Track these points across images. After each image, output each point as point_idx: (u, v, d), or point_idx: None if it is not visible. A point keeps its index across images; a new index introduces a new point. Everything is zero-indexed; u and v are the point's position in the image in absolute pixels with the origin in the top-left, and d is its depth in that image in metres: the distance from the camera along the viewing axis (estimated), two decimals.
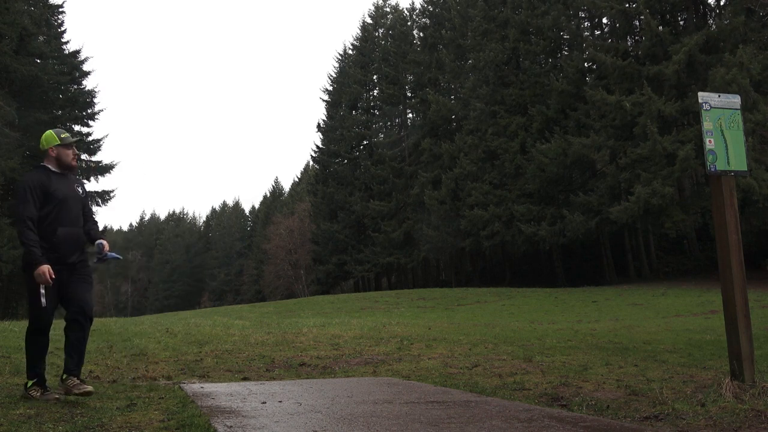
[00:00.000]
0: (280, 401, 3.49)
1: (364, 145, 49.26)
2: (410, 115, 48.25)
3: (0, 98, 28.18)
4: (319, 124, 52.16)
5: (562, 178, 30.98)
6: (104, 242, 3.99)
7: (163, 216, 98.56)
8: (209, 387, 4.14)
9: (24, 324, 9.34)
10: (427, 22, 46.09)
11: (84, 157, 36.79)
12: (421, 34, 46.41)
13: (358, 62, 49.52)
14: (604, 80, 28.80)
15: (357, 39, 50.84)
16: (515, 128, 32.79)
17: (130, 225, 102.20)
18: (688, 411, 3.26)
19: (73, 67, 36.18)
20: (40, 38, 34.18)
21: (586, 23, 34.80)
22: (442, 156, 37.95)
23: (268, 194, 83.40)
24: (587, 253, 34.68)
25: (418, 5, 49.05)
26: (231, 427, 2.76)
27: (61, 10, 36.50)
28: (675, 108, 24.32)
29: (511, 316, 16.05)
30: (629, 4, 28.22)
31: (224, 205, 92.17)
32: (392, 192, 43.59)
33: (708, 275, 24.89)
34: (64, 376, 3.54)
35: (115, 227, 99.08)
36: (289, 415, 3.06)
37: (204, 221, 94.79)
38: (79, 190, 4.10)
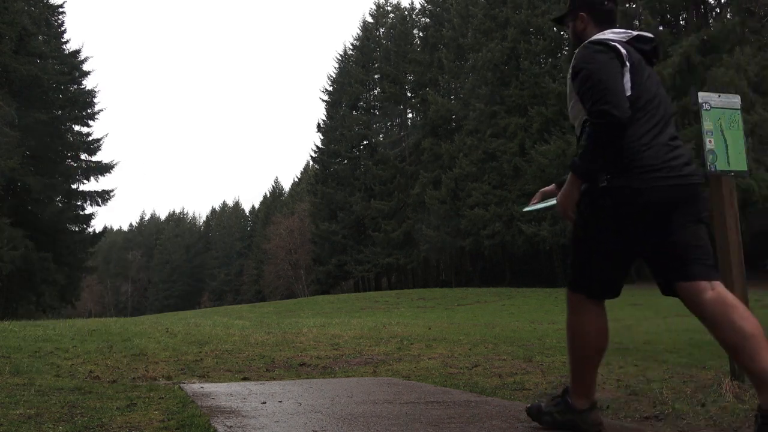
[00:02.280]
0: (280, 401, 3.49)
1: (364, 145, 49.24)
2: (410, 115, 48.24)
3: (0, 98, 28.17)
4: (319, 124, 52.21)
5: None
6: None
7: (163, 216, 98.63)
8: (209, 387, 4.14)
9: (23, 324, 9.33)
10: (428, 21, 46.09)
11: (84, 156, 36.87)
12: (422, 34, 46.41)
13: (359, 61, 49.50)
14: None
15: (358, 38, 50.85)
16: (514, 129, 32.79)
17: (130, 225, 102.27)
18: (688, 411, 3.26)
19: (73, 67, 36.21)
20: (40, 38, 34.20)
21: None
22: (443, 156, 37.94)
23: (268, 194, 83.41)
24: None
25: (418, 5, 49.15)
26: (231, 427, 2.76)
27: (61, 10, 36.54)
28: (673, 108, 24.35)
29: (511, 316, 16.07)
30: (629, 5, 28.22)
31: (224, 205, 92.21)
32: (394, 192, 43.58)
33: None
34: None
35: (115, 227, 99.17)
36: (289, 415, 3.06)
37: (204, 221, 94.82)
38: None
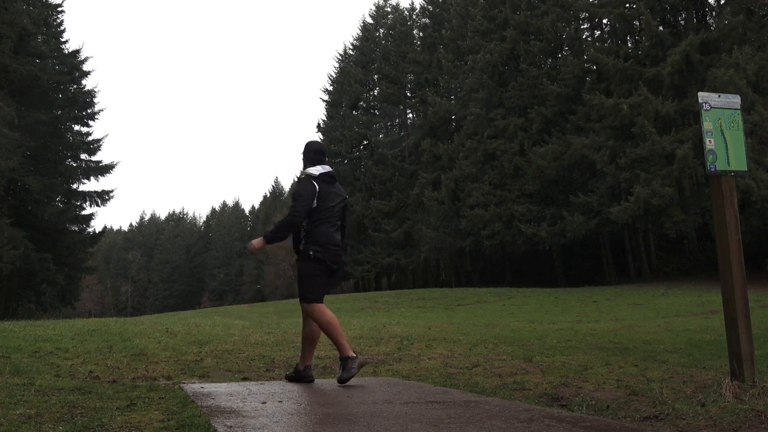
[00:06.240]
0: (280, 401, 3.49)
1: (364, 145, 49.22)
2: (410, 115, 48.22)
3: (0, 98, 28.14)
4: (319, 124, 52.18)
5: (562, 178, 30.96)
6: None
7: (163, 216, 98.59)
8: (209, 387, 4.14)
9: (23, 324, 9.33)
10: (427, 22, 46.10)
11: (84, 156, 36.87)
12: (421, 34, 46.40)
13: (359, 61, 49.49)
14: (604, 82, 28.76)
15: (358, 39, 50.85)
16: (514, 129, 32.77)
17: (130, 225, 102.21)
18: (688, 411, 3.27)
19: (73, 67, 36.18)
20: (40, 38, 34.14)
21: (586, 24, 34.78)
22: (442, 156, 37.92)
23: (268, 194, 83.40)
24: (587, 253, 34.68)
25: (418, 5, 49.14)
26: (231, 427, 2.76)
27: (60, 9, 36.50)
28: (673, 108, 24.30)
29: (511, 316, 16.05)
30: (629, 5, 28.19)
31: (224, 205, 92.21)
32: (393, 192, 43.55)
33: (708, 275, 24.88)
34: None
35: (115, 227, 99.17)
36: (289, 415, 3.06)
37: (204, 221, 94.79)
38: None
